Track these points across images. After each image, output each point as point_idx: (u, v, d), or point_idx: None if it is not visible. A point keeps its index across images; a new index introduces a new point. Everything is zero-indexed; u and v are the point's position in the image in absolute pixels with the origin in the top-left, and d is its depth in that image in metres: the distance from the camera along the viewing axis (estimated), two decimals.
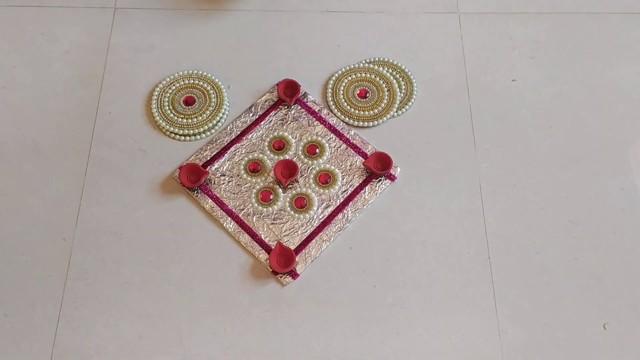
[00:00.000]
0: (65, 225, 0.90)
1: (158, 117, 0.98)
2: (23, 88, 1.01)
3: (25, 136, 0.97)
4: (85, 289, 0.86)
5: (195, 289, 0.87)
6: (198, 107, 0.99)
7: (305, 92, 1.01)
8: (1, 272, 0.87)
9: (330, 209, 0.92)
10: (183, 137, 0.97)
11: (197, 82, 1.01)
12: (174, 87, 1.00)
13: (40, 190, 0.93)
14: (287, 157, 0.95)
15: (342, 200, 0.92)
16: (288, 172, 0.93)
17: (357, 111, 0.99)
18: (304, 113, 0.99)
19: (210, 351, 0.83)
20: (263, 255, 0.88)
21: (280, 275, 0.87)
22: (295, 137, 0.97)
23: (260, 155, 0.96)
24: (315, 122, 0.98)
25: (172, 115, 0.98)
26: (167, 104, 0.99)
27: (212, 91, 1.00)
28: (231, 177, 0.94)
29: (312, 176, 0.94)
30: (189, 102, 1.00)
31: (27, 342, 0.83)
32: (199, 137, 0.97)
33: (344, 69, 1.03)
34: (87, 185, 0.93)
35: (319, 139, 0.97)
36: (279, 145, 0.96)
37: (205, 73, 1.02)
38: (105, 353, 0.83)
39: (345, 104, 0.99)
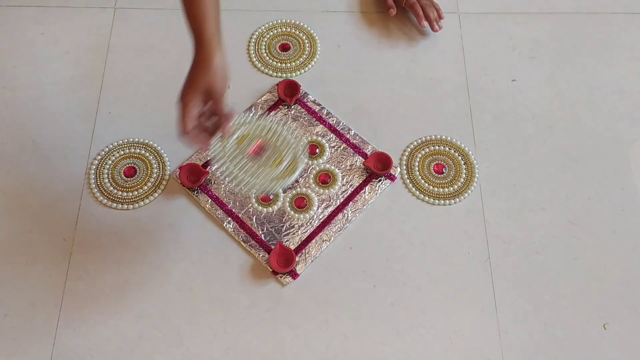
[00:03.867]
0: (65, 225, 0.90)
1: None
2: (23, 88, 1.01)
3: (25, 136, 0.97)
4: (85, 289, 0.86)
5: (195, 289, 0.87)
6: None
7: (305, 92, 1.01)
8: (1, 272, 0.87)
9: (330, 209, 0.92)
10: None
11: None
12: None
13: (40, 191, 0.93)
14: None
15: (342, 200, 0.92)
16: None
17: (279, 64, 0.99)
18: (304, 113, 0.99)
19: (210, 351, 0.83)
20: (263, 255, 0.88)
21: (280, 275, 0.87)
22: None
23: None
24: (315, 122, 0.98)
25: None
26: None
27: None
28: None
29: (312, 176, 0.94)
30: None
31: (27, 342, 0.83)
32: None
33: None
34: (87, 186, 0.93)
35: (319, 139, 0.97)
36: None
37: None
38: (106, 353, 0.83)
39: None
